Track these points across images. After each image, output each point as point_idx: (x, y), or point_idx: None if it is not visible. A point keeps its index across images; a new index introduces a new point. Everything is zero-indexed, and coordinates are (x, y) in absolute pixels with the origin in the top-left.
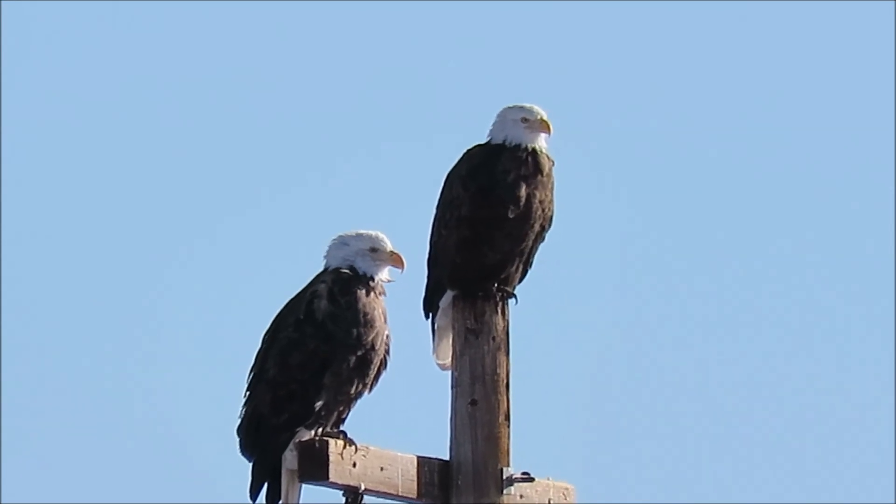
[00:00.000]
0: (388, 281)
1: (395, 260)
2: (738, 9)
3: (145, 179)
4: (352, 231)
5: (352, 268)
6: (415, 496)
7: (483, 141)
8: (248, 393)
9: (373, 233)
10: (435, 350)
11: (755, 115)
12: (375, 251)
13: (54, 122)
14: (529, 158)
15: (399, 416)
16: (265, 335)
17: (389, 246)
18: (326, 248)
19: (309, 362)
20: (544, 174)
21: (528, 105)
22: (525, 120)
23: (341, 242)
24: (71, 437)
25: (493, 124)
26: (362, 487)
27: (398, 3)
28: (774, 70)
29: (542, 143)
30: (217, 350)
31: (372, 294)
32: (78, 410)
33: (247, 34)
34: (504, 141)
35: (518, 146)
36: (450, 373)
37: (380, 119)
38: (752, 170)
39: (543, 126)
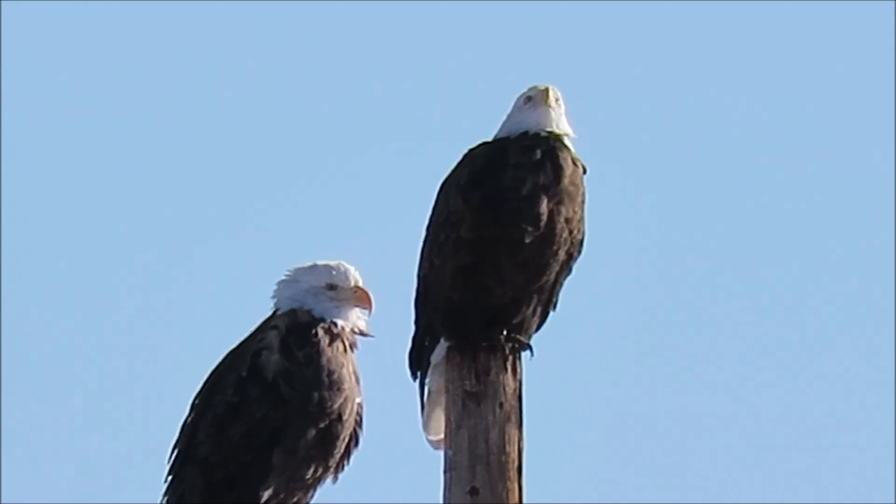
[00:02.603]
0: (365, 334)
1: (361, 298)
2: (755, 8)
3: (149, 184)
4: (306, 263)
5: (307, 311)
6: None
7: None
8: (170, 478)
9: (332, 263)
10: (424, 421)
11: (785, 126)
12: (334, 288)
13: (54, 122)
14: (539, 150)
15: None
16: (195, 399)
17: (353, 280)
18: (275, 287)
19: (254, 436)
20: (566, 175)
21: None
22: (529, 99)
23: (292, 279)
24: (74, 438)
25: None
26: None
27: (398, 3)
28: (792, 75)
29: (560, 128)
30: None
31: (338, 345)
32: (81, 410)
33: (251, 34)
34: (509, 134)
35: (525, 134)
36: (442, 452)
37: (358, 128)
38: (782, 195)
39: (543, 96)
